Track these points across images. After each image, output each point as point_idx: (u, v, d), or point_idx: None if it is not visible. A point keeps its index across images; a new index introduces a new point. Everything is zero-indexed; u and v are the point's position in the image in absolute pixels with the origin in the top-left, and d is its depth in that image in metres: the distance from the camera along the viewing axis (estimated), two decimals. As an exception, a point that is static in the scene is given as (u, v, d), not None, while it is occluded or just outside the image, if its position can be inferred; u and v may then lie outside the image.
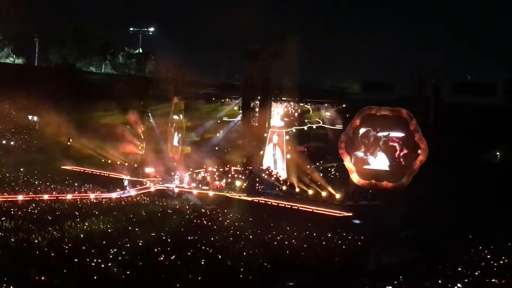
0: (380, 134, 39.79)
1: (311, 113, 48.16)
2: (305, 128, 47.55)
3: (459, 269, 24.59)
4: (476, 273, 23.77)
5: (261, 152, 46.58)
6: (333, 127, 46.88)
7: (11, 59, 66.98)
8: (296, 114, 48.70)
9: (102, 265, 22.11)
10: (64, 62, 63.45)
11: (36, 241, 25.80)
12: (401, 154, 39.03)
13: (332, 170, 45.00)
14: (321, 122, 47.95)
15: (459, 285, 22.03)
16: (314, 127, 47.82)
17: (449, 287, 21.97)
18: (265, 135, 46.83)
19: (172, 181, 44.65)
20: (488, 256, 27.25)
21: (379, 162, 39.91)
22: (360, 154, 40.46)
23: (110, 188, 42.18)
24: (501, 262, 26.24)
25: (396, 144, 39.36)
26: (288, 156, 46.48)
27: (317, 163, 46.44)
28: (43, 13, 66.99)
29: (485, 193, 35.14)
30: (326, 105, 48.16)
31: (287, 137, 47.14)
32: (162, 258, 23.65)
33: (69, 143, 51.93)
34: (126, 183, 42.20)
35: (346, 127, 41.81)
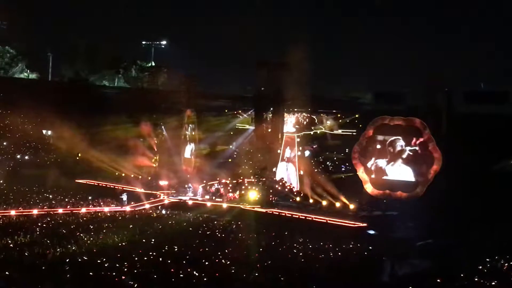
0: (399, 142, 39.75)
1: (316, 121, 50.04)
2: (311, 132, 49.43)
3: (476, 279, 24.39)
4: (493, 283, 23.55)
5: (277, 156, 47.04)
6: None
7: (25, 74, 67.54)
8: (305, 122, 49.57)
9: (116, 278, 22.12)
10: (77, 76, 63.87)
11: (49, 252, 25.96)
12: (413, 163, 38.97)
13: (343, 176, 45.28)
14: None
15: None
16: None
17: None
18: (279, 149, 47.10)
19: (186, 193, 44.71)
20: (505, 266, 27.01)
21: (401, 172, 39.72)
22: (382, 163, 40.33)
23: (123, 201, 42.27)
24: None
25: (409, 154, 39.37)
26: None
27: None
28: (56, 28, 67.64)
29: (500, 202, 34.89)
30: (339, 115, 48.67)
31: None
32: (176, 271, 23.63)
33: (78, 158, 52.37)
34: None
35: (359, 137, 41.79)
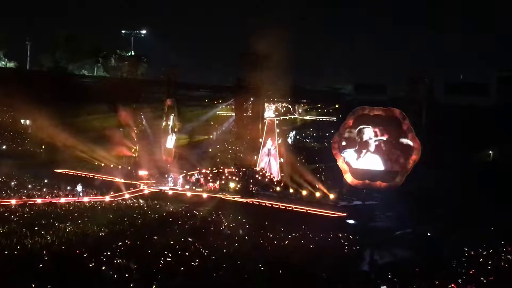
0: (373, 133, 39.85)
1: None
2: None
3: (454, 267, 24.62)
4: (471, 272, 23.79)
5: (257, 145, 47.21)
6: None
7: (3, 63, 66.74)
8: (282, 110, 50.91)
9: (96, 269, 22.00)
10: (56, 65, 63.25)
11: (28, 244, 25.76)
12: (393, 153, 39.10)
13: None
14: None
15: (453, 284, 22.04)
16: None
17: (444, 286, 21.96)
18: (260, 139, 47.13)
19: (166, 183, 44.53)
20: (484, 253, 27.29)
21: (371, 161, 39.92)
22: (351, 152, 40.46)
23: (103, 191, 42.00)
24: (495, 260, 26.28)
25: (387, 143, 39.46)
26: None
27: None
28: (35, 17, 66.96)
29: (478, 192, 35.20)
30: (319, 105, 49.25)
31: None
32: (155, 260, 23.58)
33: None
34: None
35: (339, 128, 41.85)
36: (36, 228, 28.83)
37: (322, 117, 50.61)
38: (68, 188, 41.60)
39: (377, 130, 39.58)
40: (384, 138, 39.41)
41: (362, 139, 40.21)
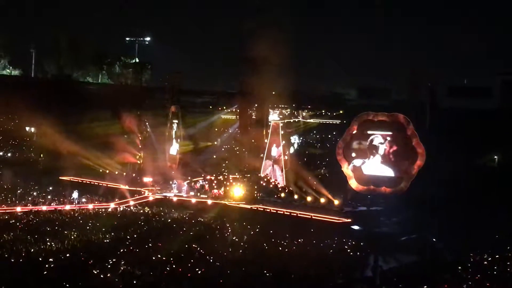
0: (377, 139, 39.73)
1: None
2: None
3: (459, 273, 24.56)
4: (477, 277, 23.72)
5: (261, 156, 47.07)
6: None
7: (8, 70, 66.94)
8: (287, 114, 51.95)
9: (101, 275, 22.03)
10: (61, 73, 63.41)
11: (34, 251, 25.82)
12: (397, 158, 38.95)
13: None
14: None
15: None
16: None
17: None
18: (265, 141, 47.15)
19: (171, 189, 44.55)
20: (490, 259, 27.22)
21: (384, 168, 39.75)
22: (366, 158, 40.30)
23: (108, 198, 42.04)
24: (501, 265, 26.21)
25: (392, 149, 39.34)
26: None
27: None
28: (39, 24, 67.19)
29: (483, 196, 35.12)
30: (323, 111, 49.48)
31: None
32: (161, 267, 23.60)
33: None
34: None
35: (343, 133, 41.80)
36: (37, 236, 28.88)
37: (326, 120, 50.76)
38: (73, 195, 41.68)
39: (387, 138, 39.42)
40: (389, 143, 39.31)
41: (372, 145, 40.02)
